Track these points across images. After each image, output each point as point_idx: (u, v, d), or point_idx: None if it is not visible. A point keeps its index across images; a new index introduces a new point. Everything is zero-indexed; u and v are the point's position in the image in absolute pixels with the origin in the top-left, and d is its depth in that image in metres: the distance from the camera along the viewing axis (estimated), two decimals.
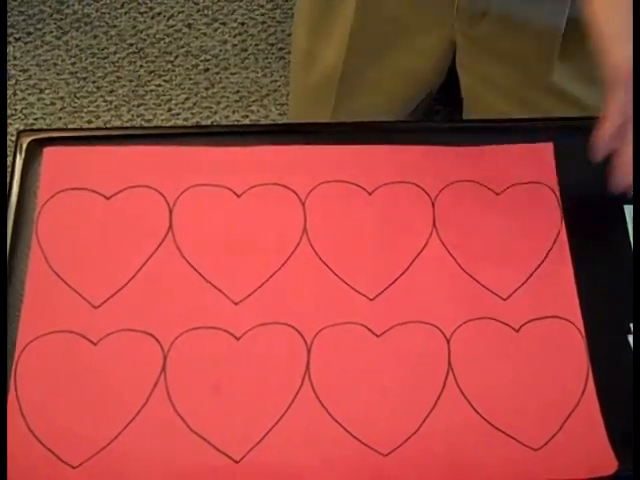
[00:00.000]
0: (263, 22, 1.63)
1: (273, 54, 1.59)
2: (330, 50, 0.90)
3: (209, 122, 1.51)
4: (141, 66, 1.57)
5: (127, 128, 1.36)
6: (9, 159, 0.70)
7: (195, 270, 0.64)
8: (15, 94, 1.53)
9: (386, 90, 0.95)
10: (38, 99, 1.52)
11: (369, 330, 0.62)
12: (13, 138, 1.41)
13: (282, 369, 0.61)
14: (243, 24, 1.63)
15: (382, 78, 0.93)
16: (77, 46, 1.59)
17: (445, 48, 0.89)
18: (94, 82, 1.55)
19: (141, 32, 1.61)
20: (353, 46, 0.89)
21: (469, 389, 0.60)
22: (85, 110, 1.52)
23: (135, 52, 1.59)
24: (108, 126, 1.49)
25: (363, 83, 0.94)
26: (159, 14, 1.63)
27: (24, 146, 0.69)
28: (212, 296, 0.63)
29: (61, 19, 1.62)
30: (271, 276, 0.64)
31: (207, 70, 1.57)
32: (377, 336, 0.62)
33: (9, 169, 0.69)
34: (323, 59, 0.92)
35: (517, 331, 0.62)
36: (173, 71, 1.57)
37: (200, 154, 0.69)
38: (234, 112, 1.53)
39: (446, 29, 0.86)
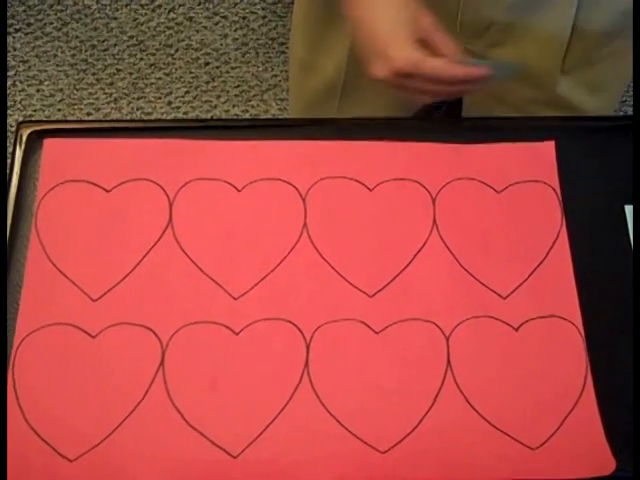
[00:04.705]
0: (264, 16, 1.62)
1: (274, 49, 1.59)
2: (330, 62, 0.89)
3: (209, 116, 1.51)
4: (141, 59, 1.57)
5: (129, 121, 1.35)
6: (9, 150, 0.69)
7: (195, 264, 0.64)
8: (14, 85, 1.52)
9: (386, 101, 0.94)
10: (37, 90, 1.52)
11: (368, 327, 0.62)
12: (12, 129, 1.41)
13: (281, 365, 0.61)
14: (244, 18, 1.62)
15: (382, 90, 0.93)
16: (77, 38, 1.58)
17: None
18: (94, 74, 1.54)
19: (142, 25, 1.61)
20: (354, 60, 0.88)
21: (468, 387, 0.60)
22: (85, 102, 1.51)
23: (135, 45, 1.58)
24: (108, 119, 1.49)
25: (364, 94, 0.93)
26: (160, 7, 1.63)
27: (24, 137, 0.69)
28: (211, 291, 0.63)
29: (61, 10, 1.61)
30: (271, 272, 0.64)
31: (207, 64, 1.57)
32: (376, 333, 0.62)
33: (8, 160, 0.69)
34: (323, 70, 0.91)
35: (516, 330, 0.62)
36: (173, 64, 1.56)
37: (201, 148, 0.69)
38: (234, 106, 1.52)
39: None
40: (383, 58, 0.64)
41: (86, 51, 1.57)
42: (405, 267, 0.65)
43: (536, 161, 0.70)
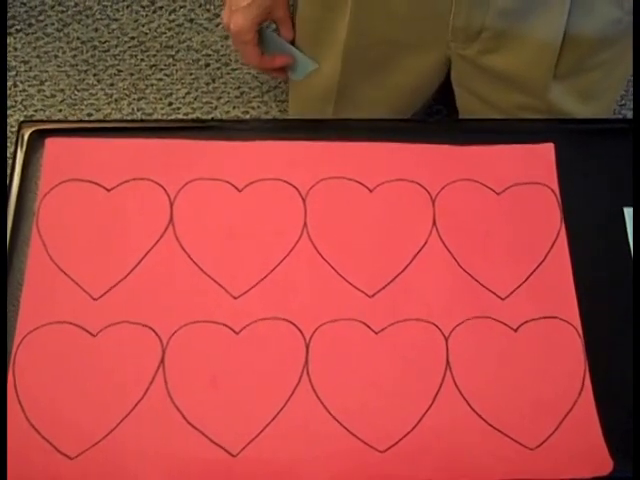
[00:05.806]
0: None
1: None
2: (327, 62, 0.90)
3: (209, 117, 1.51)
4: (142, 60, 1.57)
5: (130, 121, 1.35)
6: (9, 150, 0.69)
7: (195, 264, 0.64)
8: (15, 85, 1.52)
9: (382, 104, 0.94)
10: (38, 91, 1.52)
11: (368, 327, 0.62)
12: (13, 129, 1.41)
13: (280, 364, 0.61)
14: None
15: (378, 94, 0.93)
16: (78, 38, 1.58)
17: (441, 66, 0.89)
18: (95, 75, 1.54)
19: (142, 26, 1.61)
20: (347, 64, 0.88)
21: (466, 388, 0.60)
22: (85, 103, 1.51)
23: (136, 46, 1.58)
24: (109, 119, 1.49)
25: (359, 97, 0.93)
26: (161, 8, 1.63)
27: (25, 137, 0.69)
28: (212, 290, 0.63)
29: (63, 11, 1.61)
30: (271, 271, 0.64)
31: (208, 65, 1.57)
32: (376, 333, 0.62)
33: (10, 160, 0.69)
34: (321, 70, 0.91)
35: (515, 331, 0.63)
36: (174, 65, 1.56)
37: (202, 148, 0.69)
38: (234, 108, 1.53)
39: (441, 49, 0.85)
40: (227, 17, 0.83)
41: (87, 52, 1.57)
42: (405, 268, 0.65)
43: (535, 163, 0.70)
